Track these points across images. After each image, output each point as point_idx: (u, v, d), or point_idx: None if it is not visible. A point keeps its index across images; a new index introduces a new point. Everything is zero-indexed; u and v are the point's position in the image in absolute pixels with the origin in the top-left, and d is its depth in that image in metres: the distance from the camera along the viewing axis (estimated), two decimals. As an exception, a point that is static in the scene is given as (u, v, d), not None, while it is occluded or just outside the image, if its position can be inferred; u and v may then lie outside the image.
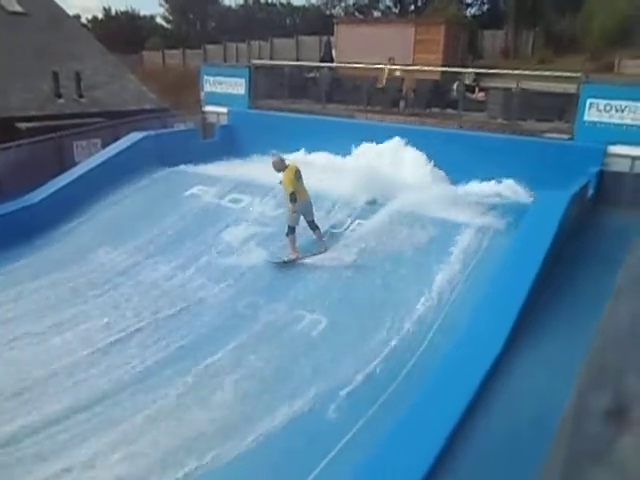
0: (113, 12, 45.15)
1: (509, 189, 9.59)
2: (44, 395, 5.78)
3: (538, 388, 4.69)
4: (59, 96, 15.31)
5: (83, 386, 5.92)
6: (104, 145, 12.21)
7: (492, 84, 13.00)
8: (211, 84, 14.19)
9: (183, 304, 7.45)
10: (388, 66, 13.28)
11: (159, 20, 47.06)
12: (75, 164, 11.45)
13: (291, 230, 8.21)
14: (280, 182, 8.32)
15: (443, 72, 13.95)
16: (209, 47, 31.46)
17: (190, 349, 6.52)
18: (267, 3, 44.47)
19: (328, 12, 37.02)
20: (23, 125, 13.43)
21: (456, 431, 4.13)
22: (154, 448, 5.00)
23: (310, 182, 8.45)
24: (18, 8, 17.34)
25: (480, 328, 5.57)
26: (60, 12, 18.98)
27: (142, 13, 47.40)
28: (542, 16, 26.55)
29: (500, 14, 29.36)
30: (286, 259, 8.12)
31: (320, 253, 8.21)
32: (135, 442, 5.08)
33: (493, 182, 9.74)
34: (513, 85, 11.65)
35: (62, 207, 9.95)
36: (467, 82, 12.87)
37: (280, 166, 8.22)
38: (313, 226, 8.32)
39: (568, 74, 10.76)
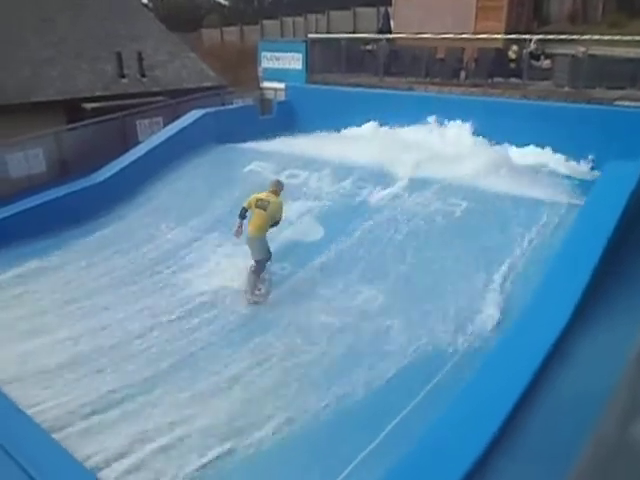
0: (173, -10, 45.71)
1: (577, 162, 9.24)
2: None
3: (590, 376, 4.50)
4: (122, 76, 15.72)
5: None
6: (165, 123, 12.47)
7: (559, 50, 12.34)
8: (268, 60, 14.18)
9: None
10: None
11: (217, -3, 47.31)
12: (138, 142, 11.78)
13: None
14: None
15: (506, 39, 13.37)
16: (266, 22, 31.31)
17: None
18: (324, -25, 43.80)
19: (387, -19, 36.16)
20: (89, 105, 13.87)
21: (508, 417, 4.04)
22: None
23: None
24: (82, -9, 17.80)
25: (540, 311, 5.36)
26: (122, -7, 19.34)
27: (201, -10, 47.69)
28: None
29: (569, -24, 27.77)
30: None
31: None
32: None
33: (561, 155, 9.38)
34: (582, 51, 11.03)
35: (126, 185, 10.26)
36: (531, 49, 12.27)
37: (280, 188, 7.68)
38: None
39: (642, 38, 10.12)
